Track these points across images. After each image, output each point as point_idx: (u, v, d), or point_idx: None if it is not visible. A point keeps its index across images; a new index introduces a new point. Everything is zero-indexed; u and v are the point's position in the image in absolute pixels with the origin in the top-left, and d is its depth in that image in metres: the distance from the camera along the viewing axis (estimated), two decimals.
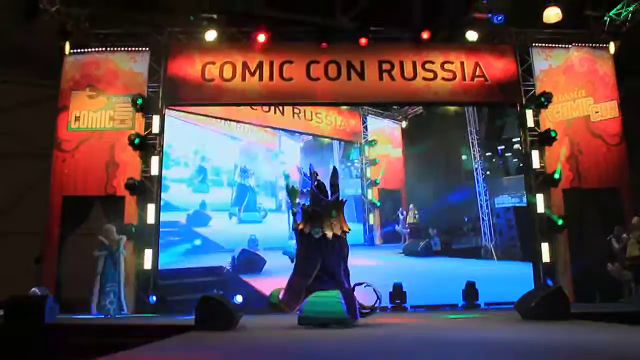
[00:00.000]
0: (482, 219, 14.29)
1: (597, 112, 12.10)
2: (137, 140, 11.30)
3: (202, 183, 13.92)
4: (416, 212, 15.46)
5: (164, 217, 11.86)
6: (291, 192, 8.07)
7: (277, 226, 13.99)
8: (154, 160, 11.49)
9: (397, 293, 11.14)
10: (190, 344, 5.78)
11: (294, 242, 8.27)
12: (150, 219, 11.25)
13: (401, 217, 16.02)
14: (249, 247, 13.12)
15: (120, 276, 10.19)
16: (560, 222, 11.31)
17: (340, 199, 7.80)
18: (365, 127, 17.05)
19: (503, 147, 14.00)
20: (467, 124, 14.96)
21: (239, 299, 10.70)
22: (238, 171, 14.77)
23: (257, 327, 7.58)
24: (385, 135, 17.31)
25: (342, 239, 7.63)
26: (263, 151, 15.57)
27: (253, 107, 13.60)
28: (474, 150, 14.18)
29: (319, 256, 7.39)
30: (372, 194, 16.48)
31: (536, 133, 11.91)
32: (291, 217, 8.12)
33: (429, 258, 14.04)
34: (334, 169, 8.24)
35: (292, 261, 8.32)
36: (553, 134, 11.65)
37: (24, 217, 12.00)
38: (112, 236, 10.22)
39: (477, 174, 13.82)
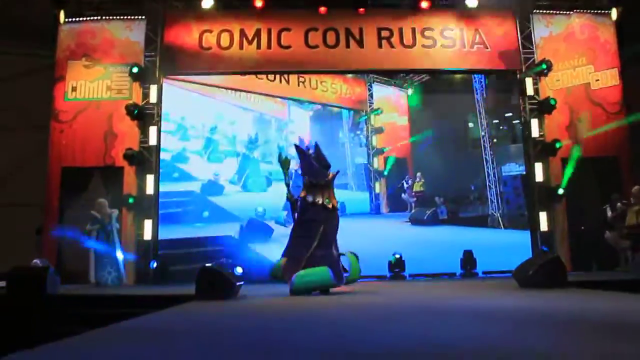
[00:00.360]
0: (489, 187, 14.23)
1: (597, 80, 12.00)
2: (135, 111, 11.22)
3: (216, 154, 14.07)
4: (423, 180, 15.47)
5: (182, 187, 12.26)
6: (283, 162, 8.34)
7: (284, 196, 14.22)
8: (152, 130, 11.44)
9: (396, 262, 11.23)
10: (190, 313, 5.85)
11: (285, 213, 8.43)
12: (150, 189, 11.24)
13: (406, 185, 16.04)
14: (256, 216, 13.35)
15: (116, 248, 10.22)
16: (560, 191, 11.32)
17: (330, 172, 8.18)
18: (371, 95, 16.96)
19: (510, 114, 13.87)
20: (474, 91, 14.81)
21: (239, 270, 10.77)
22: (245, 142, 14.91)
23: (258, 296, 7.67)
24: (391, 102, 17.23)
25: (336, 210, 8.13)
26: (273, 121, 15.67)
27: (258, 76, 13.61)
28: (481, 118, 14.00)
29: (321, 224, 7.78)
30: (378, 163, 16.52)
31: (536, 101, 11.83)
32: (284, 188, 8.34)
33: (435, 227, 14.08)
34: (317, 145, 8.45)
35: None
36: (553, 102, 11.57)
37: (23, 188, 12.01)
38: (104, 210, 10.24)
39: (484, 141, 13.67)
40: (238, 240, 12.31)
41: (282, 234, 11.66)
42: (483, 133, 13.30)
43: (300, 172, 8.57)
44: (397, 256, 11.20)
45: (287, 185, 8.22)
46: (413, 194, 15.70)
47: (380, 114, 16.70)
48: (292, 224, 8.37)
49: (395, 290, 8.52)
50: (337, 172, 8.36)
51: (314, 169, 8.07)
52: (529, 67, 11.96)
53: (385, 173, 16.26)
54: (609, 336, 3.46)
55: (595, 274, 9.94)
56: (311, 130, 16.28)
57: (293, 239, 8.11)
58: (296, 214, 8.17)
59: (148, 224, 11.10)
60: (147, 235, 11.07)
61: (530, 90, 11.85)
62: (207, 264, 7.52)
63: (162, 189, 11.74)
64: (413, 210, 15.31)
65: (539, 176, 11.53)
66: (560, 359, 2.83)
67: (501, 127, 13.92)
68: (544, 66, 11.73)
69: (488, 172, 14.16)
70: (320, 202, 7.84)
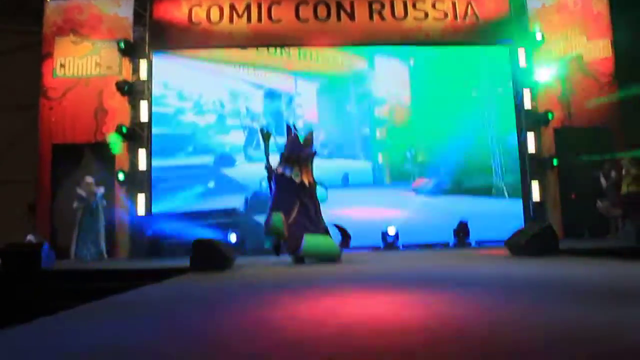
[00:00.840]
0: (493, 157, 14.17)
1: (590, 51, 11.98)
2: (125, 87, 11.14)
3: (225, 127, 14.19)
4: (425, 151, 15.45)
5: (197, 160, 12.52)
6: (265, 136, 8.63)
7: None
8: (143, 105, 11.37)
9: (390, 233, 11.34)
10: (186, 283, 5.89)
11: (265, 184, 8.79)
12: (142, 164, 11.21)
13: (409, 155, 16.03)
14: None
15: (100, 225, 10.18)
16: (555, 162, 11.39)
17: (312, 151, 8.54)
18: (373, 66, 16.91)
19: None
20: (477, 58, 14.62)
21: (232, 238, 10.89)
22: (254, 115, 15.08)
23: (253, 266, 7.71)
24: (392, 73, 17.19)
25: (314, 187, 8.36)
26: (281, 95, 15.55)
27: (259, 49, 13.60)
28: (484, 85, 13.75)
29: (296, 198, 7.98)
30: (380, 133, 16.54)
31: (528, 72, 11.81)
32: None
33: (437, 196, 14.10)
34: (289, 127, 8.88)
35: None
36: (545, 74, 11.56)
37: (14, 166, 11.94)
38: (89, 188, 10.17)
39: (488, 108, 13.49)
40: (243, 213, 12.50)
41: None
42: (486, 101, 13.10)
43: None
44: (391, 228, 11.28)
45: (267, 155, 8.48)
46: (417, 164, 15.72)
47: (381, 84, 16.69)
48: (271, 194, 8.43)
49: (388, 260, 8.57)
50: (315, 152, 8.77)
51: (292, 145, 8.38)
52: (522, 39, 11.90)
53: (387, 143, 16.36)
54: (600, 301, 3.50)
55: (587, 242, 10.04)
56: (318, 103, 16.38)
57: (271, 208, 8.09)
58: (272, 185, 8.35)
59: (141, 199, 11.09)
60: (141, 210, 11.06)
61: (522, 62, 11.83)
62: (200, 238, 7.54)
63: (177, 162, 12.03)
64: (416, 181, 15.32)
65: (531, 146, 11.57)
66: (549, 324, 2.87)
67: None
68: (537, 37, 11.68)
69: (492, 141, 14.05)
70: (289, 174, 8.04)
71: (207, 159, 13.46)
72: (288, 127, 8.83)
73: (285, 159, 8.23)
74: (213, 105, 14.05)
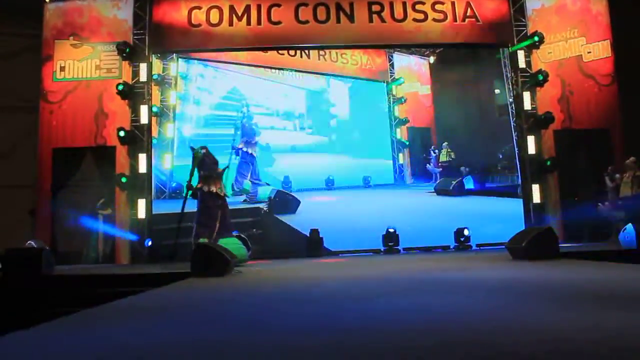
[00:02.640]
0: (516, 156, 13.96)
1: (589, 52, 11.99)
2: (122, 88, 11.14)
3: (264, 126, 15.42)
4: (449, 150, 15.38)
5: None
6: (195, 155, 9.52)
7: (314, 167, 15.55)
8: (143, 108, 11.35)
9: (390, 236, 11.31)
10: (187, 290, 5.89)
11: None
12: (142, 168, 11.20)
13: (433, 155, 15.99)
14: (282, 187, 14.14)
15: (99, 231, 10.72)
16: (549, 163, 11.39)
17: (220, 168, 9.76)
18: (392, 65, 16.91)
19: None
20: (501, 55, 14.46)
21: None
22: (293, 115, 16.40)
23: (252, 271, 7.72)
24: (413, 72, 17.16)
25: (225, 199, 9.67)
26: (316, 95, 16.75)
27: (279, 52, 14.04)
28: (508, 83, 13.57)
29: (219, 211, 9.28)
30: (401, 133, 16.56)
31: (528, 74, 11.81)
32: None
33: (460, 197, 13.98)
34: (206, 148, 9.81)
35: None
36: (541, 78, 11.55)
37: (14, 170, 11.92)
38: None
39: (512, 108, 13.29)
40: (267, 212, 12.79)
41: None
42: (511, 99, 12.92)
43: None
44: (391, 230, 11.28)
45: (191, 174, 9.48)
46: (439, 164, 15.66)
47: (402, 83, 16.67)
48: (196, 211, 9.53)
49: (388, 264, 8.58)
50: (227, 167, 10.09)
51: (206, 165, 9.46)
52: (521, 40, 11.90)
53: (408, 143, 16.38)
54: (599, 305, 3.51)
55: (587, 245, 10.04)
56: (350, 102, 16.88)
57: (199, 224, 9.31)
58: (197, 202, 9.48)
59: (142, 203, 11.08)
60: (141, 214, 11.05)
61: (522, 63, 11.82)
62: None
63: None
64: (438, 181, 15.26)
65: (531, 148, 11.57)
66: (551, 329, 2.87)
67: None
68: (536, 39, 11.69)
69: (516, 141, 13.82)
70: (214, 190, 9.29)
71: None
72: (192, 149, 9.73)
73: (205, 177, 9.38)
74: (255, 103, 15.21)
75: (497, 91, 14.56)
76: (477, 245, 11.40)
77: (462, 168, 14.80)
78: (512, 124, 12.33)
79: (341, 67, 16.41)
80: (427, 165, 16.14)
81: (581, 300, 3.82)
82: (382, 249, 11.34)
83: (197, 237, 9.06)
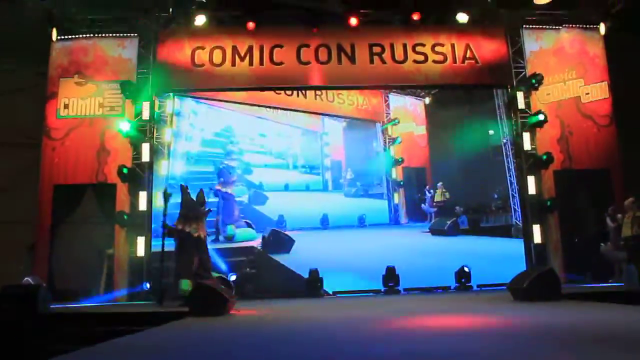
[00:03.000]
0: (513, 196, 13.95)
1: (587, 93, 12.12)
2: (127, 128, 11.22)
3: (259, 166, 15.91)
4: (444, 190, 15.46)
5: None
6: (166, 196, 9.51)
7: (308, 206, 15.71)
8: (145, 146, 11.41)
9: (390, 275, 11.20)
10: (184, 330, 5.81)
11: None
12: (142, 205, 11.18)
13: (428, 195, 16.05)
14: (277, 226, 14.14)
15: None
16: (549, 203, 11.38)
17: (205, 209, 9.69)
18: (388, 105, 17.15)
19: None
20: (495, 97, 14.62)
21: (232, 277, 10.92)
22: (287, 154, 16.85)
23: (250, 312, 7.64)
24: (408, 112, 17.44)
25: (204, 240, 9.41)
26: (311, 134, 17.14)
27: (276, 91, 14.33)
28: (502, 124, 13.63)
29: (196, 252, 9.05)
30: (396, 173, 16.71)
31: (527, 115, 11.91)
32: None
33: (455, 237, 13.96)
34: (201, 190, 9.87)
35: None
36: (543, 116, 11.65)
37: (14, 206, 11.92)
38: None
39: (506, 149, 13.26)
40: (261, 251, 12.77)
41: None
42: (505, 140, 12.93)
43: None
44: (391, 268, 11.18)
45: (164, 215, 9.36)
46: (434, 204, 15.71)
47: (397, 124, 16.89)
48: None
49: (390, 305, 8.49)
50: (209, 210, 9.97)
51: (189, 204, 9.41)
52: (520, 82, 12.05)
53: (402, 183, 16.51)
54: (602, 349, 3.46)
55: (589, 286, 9.95)
56: (345, 141, 17.37)
57: (178, 263, 9.18)
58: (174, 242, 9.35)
59: (141, 241, 11.02)
60: (140, 251, 10.99)
61: (521, 104, 11.93)
62: (200, 282, 7.51)
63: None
64: (433, 221, 15.28)
65: (532, 189, 11.57)
66: None
67: None
68: (534, 80, 11.83)
69: (511, 181, 13.86)
70: (188, 230, 9.06)
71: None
72: (182, 187, 9.72)
73: (184, 217, 9.24)
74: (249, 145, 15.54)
75: (490, 132, 14.72)
76: (478, 286, 11.29)
77: (457, 208, 14.80)
78: (505, 164, 12.38)
79: (337, 107, 16.66)
80: (422, 205, 16.19)
81: (584, 343, 3.76)
82: (382, 290, 11.22)
83: (178, 277, 8.96)
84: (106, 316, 7.90)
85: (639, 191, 10.36)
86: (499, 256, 12.07)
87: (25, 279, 9.35)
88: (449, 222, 14.29)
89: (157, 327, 5.93)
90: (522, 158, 11.80)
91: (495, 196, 14.62)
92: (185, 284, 8.66)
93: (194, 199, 9.47)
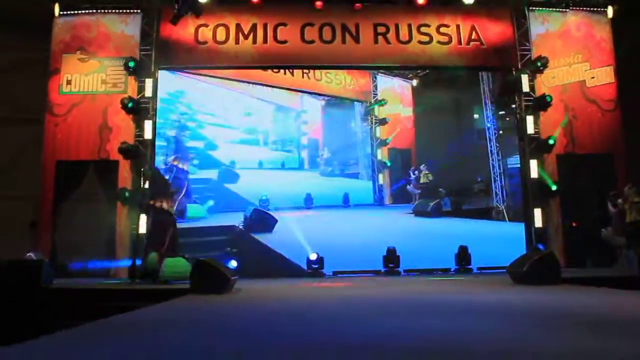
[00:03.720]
0: (494, 179, 14.12)
1: (592, 77, 12.04)
2: (130, 104, 11.19)
3: (232, 142, 15.31)
4: (427, 172, 15.50)
5: (203, 174, 13.55)
6: (145, 174, 10.43)
7: (291, 186, 15.18)
8: (147, 124, 11.40)
9: (391, 257, 11.26)
10: (184, 306, 5.86)
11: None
12: (145, 183, 11.19)
13: (413, 176, 16.08)
14: (260, 204, 13.93)
15: None
16: (553, 187, 11.37)
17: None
18: (375, 86, 17.05)
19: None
20: (480, 81, 14.68)
21: (233, 263, 10.82)
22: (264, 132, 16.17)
23: (253, 289, 7.69)
24: (396, 94, 17.33)
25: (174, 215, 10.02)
26: (287, 111, 16.64)
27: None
28: (486, 109, 13.79)
29: (170, 228, 9.50)
30: (381, 154, 16.67)
31: (531, 98, 11.85)
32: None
33: (438, 219, 14.09)
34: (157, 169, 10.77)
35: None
36: (548, 99, 11.58)
37: (16, 181, 11.95)
38: None
39: (489, 132, 13.38)
40: (243, 230, 12.66)
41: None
42: (489, 124, 13.00)
43: None
44: (391, 250, 11.22)
45: (143, 193, 10.26)
46: (418, 185, 15.75)
47: (385, 104, 16.82)
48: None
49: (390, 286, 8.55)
50: (177, 189, 10.82)
51: (160, 182, 10.21)
52: (525, 64, 11.96)
53: (389, 164, 16.43)
54: (600, 332, 3.48)
55: (589, 271, 9.98)
56: (323, 120, 16.94)
57: (149, 238, 9.69)
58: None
59: (143, 219, 11.03)
60: (142, 229, 11.01)
61: (525, 87, 11.87)
62: (201, 258, 7.54)
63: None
64: (417, 202, 15.34)
65: (534, 172, 11.56)
66: (552, 356, 2.85)
67: (507, 118, 13.55)
68: (540, 63, 11.75)
69: (493, 164, 14.00)
70: (165, 207, 9.57)
71: (213, 173, 14.30)
72: (152, 169, 10.45)
73: (156, 194, 9.80)
74: (225, 120, 14.56)
75: (475, 116, 14.80)
76: (478, 269, 11.34)
77: (441, 190, 14.88)
78: (489, 148, 12.51)
79: (325, 86, 16.49)
80: (408, 186, 16.22)
81: (579, 325, 3.79)
82: (382, 270, 11.29)
83: (146, 252, 9.36)
84: (108, 292, 7.96)
85: None
86: (497, 239, 12.11)
87: (28, 254, 9.40)
88: (432, 204, 14.43)
89: (158, 304, 5.98)
90: (525, 141, 11.77)
91: (479, 179, 14.75)
92: (153, 257, 9.09)
93: (164, 177, 10.19)
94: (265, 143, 16.42)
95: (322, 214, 14.84)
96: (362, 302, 5.95)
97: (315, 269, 11.04)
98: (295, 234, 12.37)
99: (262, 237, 12.43)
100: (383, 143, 16.80)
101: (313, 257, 11.10)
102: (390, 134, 16.79)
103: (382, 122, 16.85)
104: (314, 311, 5.23)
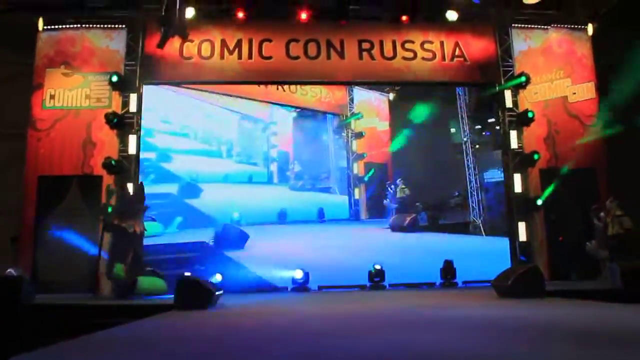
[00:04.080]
0: (471, 194, 14.15)
1: (574, 93, 12.21)
2: (114, 119, 11.12)
3: (198, 154, 14.55)
4: (404, 186, 15.44)
5: (160, 189, 12.68)
6: (108, 192, 10.12)
7: (261, 201, 14.42)
8: (132, 139, 11.33)
9: (376, 272, 11.22)
10: (168, 322, 5.78)
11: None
12: None
13: (390, 191, 15.98)
14: (232, 222, 13.43)
15: None
16: (538, 201, 11.46)
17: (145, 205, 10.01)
18: (352, 100, 16.96)
19: (493, 119, 13.70)
20: (457, 97, 14.78)
21: (218, 277, 10.71)
22: (228, 143, 15.14)
23: (236, 305, 7.62)
24: (372, 107, 17.25)
25: (142, 235, 10.05)
26: (254, 121, 15.84)
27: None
28: (463, 123, 13.91)
29: (131, 247, 9.48)
30: (357, 168, 16.44)
31: (514, 113, 11.98)
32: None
33: (415, 234, 13.98)
34: (141, 183, 10.40)
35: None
36: (531, 115, 11.72)
37: None
38: None
39: (466, 147, 13.45)
40: (213, 247, 12.29)
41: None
42: (465, 139, 13.10)
43: None
44: (377, 267, 11.20)
45: (105, 210, 9.93)
46: (396, 199, 15.70)
47: (361, 118, 16.68)
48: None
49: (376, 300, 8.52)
50: (147, 206, 10.14)
51: (126, 199, 9.86)
52: (508, 80, 12.11)
53: (366, 179, 16.22)
54: (585, 345, 3.49)
55: (573, 284, 10.04)
56: (294, 132, 16.40)
57: (110, 257, 9.61)
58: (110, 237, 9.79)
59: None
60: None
61: (509, 103, 12.00)
62: (186, 273, 7.47)
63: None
64: (393, 217, 15.24)
65: (518, 187, 11.65)
66: None
67: (483, 133, 13.70)
68: (523, 79, 11.89)
69: (470, 179, 14.06)
70: (124, 225, 9.45)
71: (173, 188, 13.60)
72: (121, 186, 10.27)
73: (120, 212, 9.61)
74: (187, 130, 14.01)
75: (452, 130, 14.90)
76: (463, 282, 11.35)
77: (417, 204, 14.91)
78: (465, 163, 12.60)
79: (300, 99, 16.26)
80: (385, 200, 16.15)
81: (564, 339, 3.79)
82: (367, 285, 11.25)
83: (110, 265, 9.41)
84: (89, 308, 7.84)
85: (622, 190, 10.47)
86: (478, 253, 12.13)
87: (9, 270, 9.25)
88: (408, 219, 14.38)
89: (141, 320, 5.90)
90: (509, 156, 11.87)
91: (456, 193, 14.82)
92: (119, 268, 9.17)
93: (136, 193, 9.94)
94: (229, 155, 15.67)
95: (298, 229, 14.34)
96: (348, 318, 5.91)
97: (302, 284, 10.95)
98: (271, 250, 12.14)
99: (237, 254, 12.09)
100: (359, 157, 16.58)
101: (298, 274, 10.95)
102: (367, 147, 16.54)
103: (359, 135, 16.69)
104: (298, 327, 5.19)
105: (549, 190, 11.37)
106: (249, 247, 12.67)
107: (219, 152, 15.49)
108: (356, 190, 16.48)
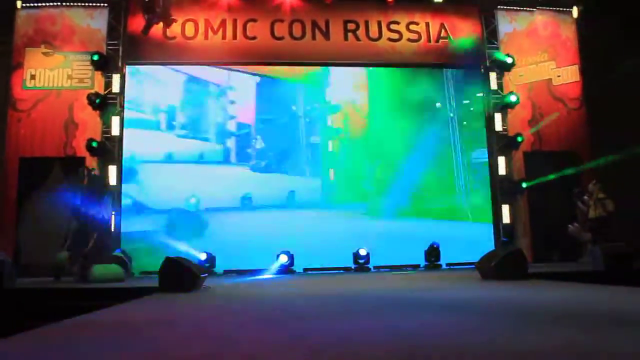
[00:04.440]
0: (457, 175, 13.48)
1: (559, 75, 12.28)
2: (97, 100, 10.97)
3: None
4: (386, 167, 14.59)
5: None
6: (80, 174, 9.83)
7: (220, 183, 12.50)
8: (115, 120, 11.21)
9: (360, 254, 11.28)
10: (153, 305, 5.76)
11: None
12: (112, 180, 11.02)
13: (371, 172, 15.12)
14: (186, 207, 11.86)
15: None
16: (523, 184, 11.55)
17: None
18: (328, 70, 15.19)
19: (482, 94, 12.94)
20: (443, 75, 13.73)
21: (202, 256, 10.66)
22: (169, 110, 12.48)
23: (221, 287, 7.62)
24: (349, 78, 15.31)
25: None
26: (205, 85, 12.83)
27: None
28: (450, 97, 13.09)
29: (94, 233, 9.39)
30: (332, 145, 13.99)
31: (499, 96, 12.01)
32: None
33: (396, 218, 13.30)
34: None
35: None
36: (516, 98, 11.77)
37: None
38: None
39: (452, 124, 12.60)
40: (165, 235, 11.34)
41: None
42: (452, 114, 12.34)
43: None
44: (362, 250, 11.23)
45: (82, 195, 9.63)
46: (375, 181, 14.97)
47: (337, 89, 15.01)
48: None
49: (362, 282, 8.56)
50: (109, 192, 10.43)
51: (93, 184, 9.84)
52: (493, 61, 12.10)
53: (341, 157, 14.27)
54: (566, 326, 3.53)
55: (555, 266, 10.17)
56: (257, 101, 13.38)
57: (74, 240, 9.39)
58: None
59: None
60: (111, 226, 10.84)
61: (493, 85, 12.03)
62: (170, 256, 7.42)
63: None
64: (372, 200, 14.47)
65: (502, 169, 11.73)
66: (520, 349, 2.87)
67: (472, 109, 12.67)
68: (509, 60, 11.87)
69: (456, 159, 13.29)
70: (91, 210, 9.43)
71: None
72: (86, 167, 10.06)
73: (87, 197, 9.52)
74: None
75: (438, 105, 13.82)
76: (447, 265, 11.45)
77: (399, 186, 14.50)
78: (452, 141, 12.36)
79: (275, 69, 14.00)
80: (365, 182, 15.13)
81: (544, 320, 3.84)
82: (352, 267, 11.31)
83: (61, 249, 9.32)
84: (72, 292, 7.78)
85: (605, 173, 10.58)
86: (463, 237, 11.99)
87: None
88: (390, 202, 13.68)
89: (125, 303, 5.87)
90: (493, 138, 11.93)
91: (440, 175, 14.36)
92: (63, 256, 9.13)
93: (94, 180, 9.89)
94: (170, 127, 12.40)
95: (269, 215, 12.57)
96: (334, 300, 5.93)
97: (287, 267, 10.94)
98: (246, 238, 11.37)
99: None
100: (335, 133, 14.61)
101: (283, 258, 10.88)
102: (343, 122, 14.23)
103: (335, 109, 15.11)
104: (284, 308, 5.20)
105: (539, 180, 11.40)
106: (218, 234, 11.61)
107: (156, 122, 12.34)
108: (330, 172, 14.59)
